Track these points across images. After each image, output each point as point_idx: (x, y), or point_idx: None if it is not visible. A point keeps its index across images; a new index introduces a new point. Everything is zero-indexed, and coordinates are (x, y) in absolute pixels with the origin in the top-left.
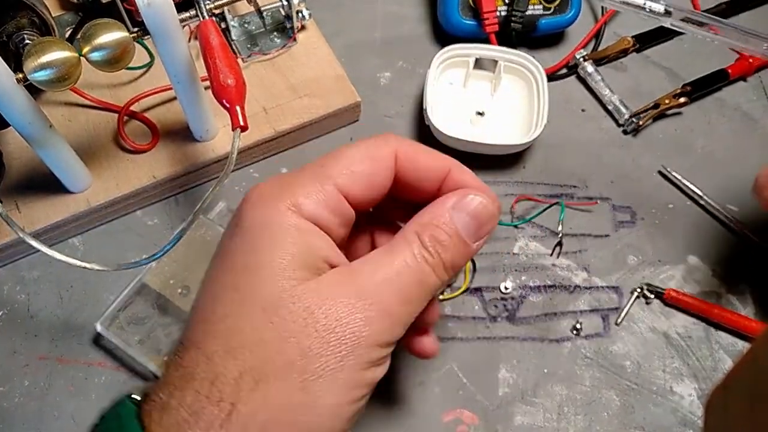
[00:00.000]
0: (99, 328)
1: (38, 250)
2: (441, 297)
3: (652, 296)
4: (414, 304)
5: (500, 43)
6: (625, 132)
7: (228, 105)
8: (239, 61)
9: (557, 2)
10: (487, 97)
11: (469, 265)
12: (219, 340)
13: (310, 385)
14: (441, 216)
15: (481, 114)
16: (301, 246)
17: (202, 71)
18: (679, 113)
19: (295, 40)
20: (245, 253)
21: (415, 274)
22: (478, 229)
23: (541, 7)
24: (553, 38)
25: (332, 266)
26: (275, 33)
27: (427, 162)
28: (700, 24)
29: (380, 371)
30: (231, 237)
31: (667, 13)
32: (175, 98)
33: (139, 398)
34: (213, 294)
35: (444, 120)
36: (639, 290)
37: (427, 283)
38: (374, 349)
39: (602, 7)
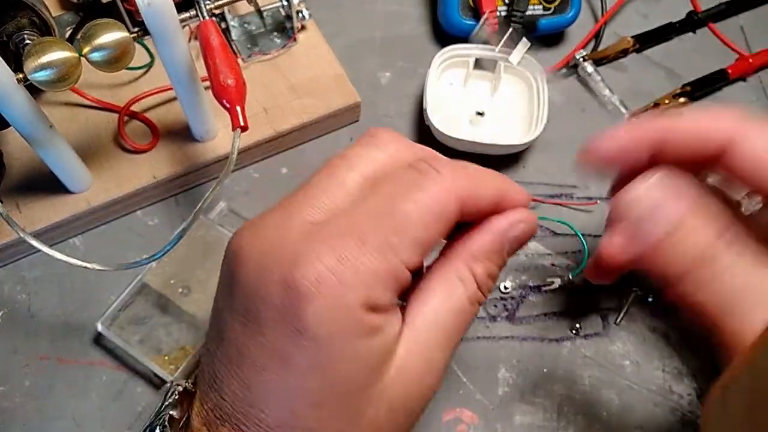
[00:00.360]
0: (100, 327)
1: (39, 250)
2: None
3: (652, 296)
4: (459, 342)
5: None
6: None
7: (228, 105)
8: (239, 61)
9: (557, 2)
10: (487, 97)
11: None
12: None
13: None
14: (495, 245)
15: (481, 114)
16: (378, 351)
17: (203, 71)
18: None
19: (295, 40)
20: (321, 371)
21: (469, 320)
22: (518, 248)
23: (541, 7)
24: (553, 38)
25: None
26: (275, 33)
27: (487, 198)
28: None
29: None
30: (293, 337)
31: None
32: (175, 98)
33: None
34: (286, 404)
35: (444, 120)
36: (639, 290)
37: (472, 316)
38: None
39: (602, 7)
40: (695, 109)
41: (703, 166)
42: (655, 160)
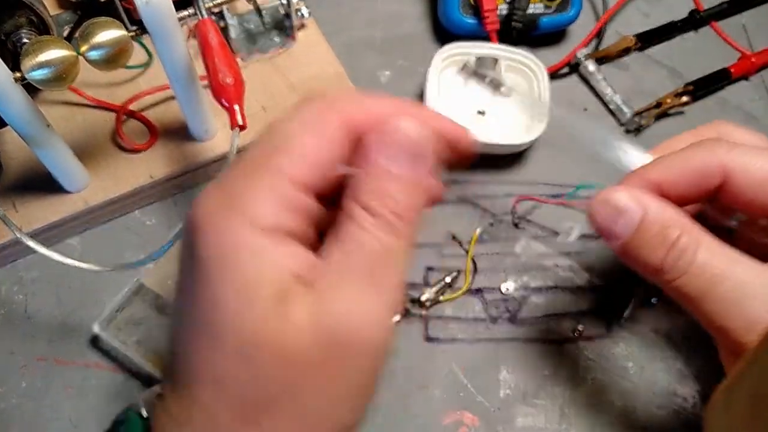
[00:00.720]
0: (96, 329)
1: (36, 251)
2: (442, 298)
3: (655, 297)
4: (392, 281)
5: (501, 42)
6: (627, 131)
7: (227, 104)
8: (238, 60)
9: (558, 1)
10: (487, 96)
11: (470, 265)
12: (207, 387)
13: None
14: (373, 169)
15: (481, 113)
16: (266, 272)
17: (201, 70)
18: (681, 112)
19: (294, 38)
20: (208, 299)
21: (380, 257)
22: (416, 158)
23: (542, 5)
24: (554, 37)
25: (300, 277)
26: (274, 32)
27: (375, 114)
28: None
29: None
30: (188, 273)
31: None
32: (173, 97)
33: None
34: (183, 332)
35: None
36: (642, 291)
37: (397, 254)
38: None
39: (603, 6)
40: (681, 143)
41: (704, 200)
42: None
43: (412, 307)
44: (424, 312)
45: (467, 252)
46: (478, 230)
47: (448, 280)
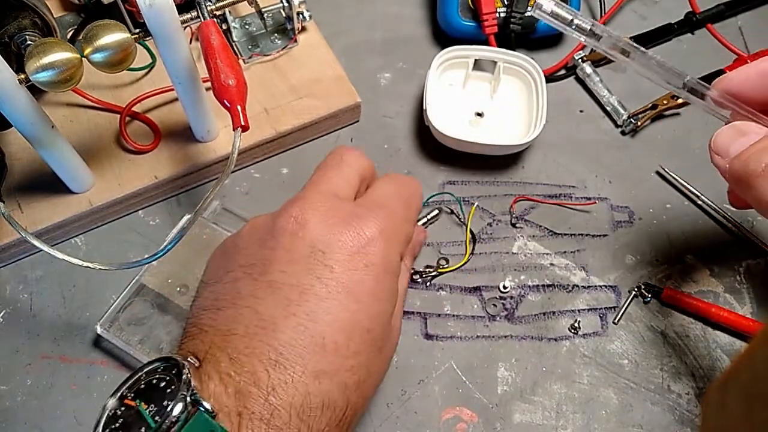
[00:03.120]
0: (99, 330)
1: (41, 250)
2: (440, 269)
3: (650, 295)
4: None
5: (499, 45)
6: (623, 133)
7: (229, 105)
8: (240, 62)
9: None
10: (486, 98)
11: (469, 236)
12: (350, 375)
13: None
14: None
15: (480, 115)
16: (399, 290)
17: (204, 72)
18: (677, 114)
19: (295, 41)
20: (377, 300)
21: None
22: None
23: None
24: (551, 40)
25: None
26: (276, 34)
27: None
28: (626, 53)
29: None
30: (360, 272)
31: (594, 34)
32: (176, 99)
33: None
34: (347, 328)
35: (443, 121)
36: (637, 289)
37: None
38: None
39: (601, 8)
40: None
41: None
42: None
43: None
44: (420, 280)
45: (465, 224)
46: (476, 203)
47: (431, 215)
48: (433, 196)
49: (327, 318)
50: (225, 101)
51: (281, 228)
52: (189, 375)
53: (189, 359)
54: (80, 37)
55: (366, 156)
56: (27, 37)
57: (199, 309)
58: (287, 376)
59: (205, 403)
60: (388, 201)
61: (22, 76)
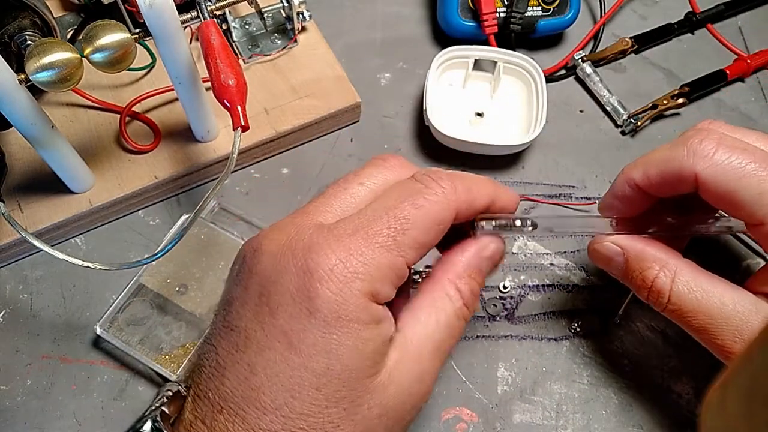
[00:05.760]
0: (99, 330)
1: (41, 250)
2: None
3: None
4: (448, 356)
5: (499, 45)
6: (623, 133)
7: (229, 105)
8: (240, 62)
9: (556, 4)
10: (486, 98)
11: None
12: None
13: None
14: (473, 263)
15: (480, 115)
16: (376, 341)
17: (204, 72)
18: (677, 114)
19: (295, 41)
20: (326, 354)
21: (457, 335)
22: (493, 266)
23: (540, 8)
24: (551, 39)
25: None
26: (276, 34)
27: (480, 203)
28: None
29: None
30: (303, 318)
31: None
32: (176, 99)
33: None
34: (288, 385)
35: (443, 121)
36: None
37: (460, 331)
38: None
39: (601, 8)
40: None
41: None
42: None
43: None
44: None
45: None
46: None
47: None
48: None
49: (267, 372)
50: (225, 101)
51: (245, 262)
52: (160, 406)
53: (181, 387)
54: (80, 37)
55: (407, 164)
56: (27, 37)
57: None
58: (229, 426)
59: None
60: (370, 222)
61: (22, 76)
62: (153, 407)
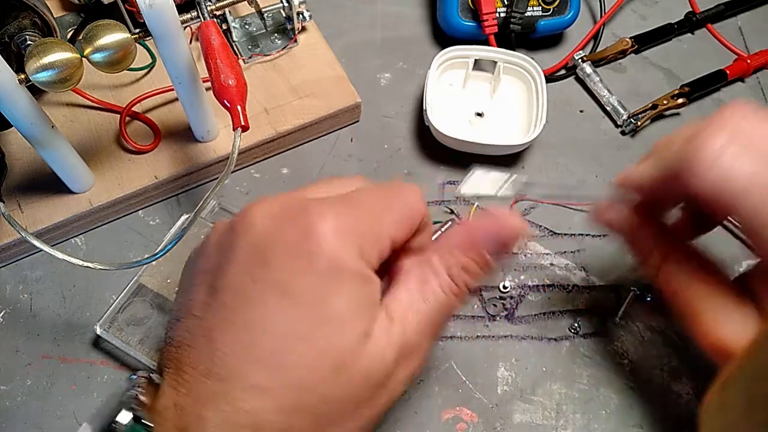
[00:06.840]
0: (98, 330)
1: (41, 250)
2: None
3: (650, 295)
4: (439, 332)
5: (499, 45)
6: (623, 133)
7: (229, 104)
8: (240, 62)
9: (556, 4)
10: (486, 98)
11: None
12: (290, 393)
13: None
14: (465, 239)
15: (480, 115)
16: (368, 299)
17: (204, 72)
18: (677, 114)
19: (295, 41)
20: (322, 302)
21: (445, 310)
22: (500, 248)
23: (540, 8)
24: (551, 39)
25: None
26: (276, 34)
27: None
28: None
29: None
30: (300, 270)
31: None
32: (176, 99)
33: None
34: (280, 335)
35: (443, 121)
36: (637, 289)
37: (453, 310)
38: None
39: (601, 9)
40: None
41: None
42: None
43: None
44: None
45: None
46: (476, 203)
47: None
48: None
49: (260, 326)
50: (225, 101)
51: (233, 230)
52: (137, 391)
53: (152, 375)
54: (80, 37)
55: (419, 199)
56: (27, 37)
57: (169, 320)
58: (221, 388)
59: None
60: (360, 196)
61: (22, 76)
62: (127, 396)
